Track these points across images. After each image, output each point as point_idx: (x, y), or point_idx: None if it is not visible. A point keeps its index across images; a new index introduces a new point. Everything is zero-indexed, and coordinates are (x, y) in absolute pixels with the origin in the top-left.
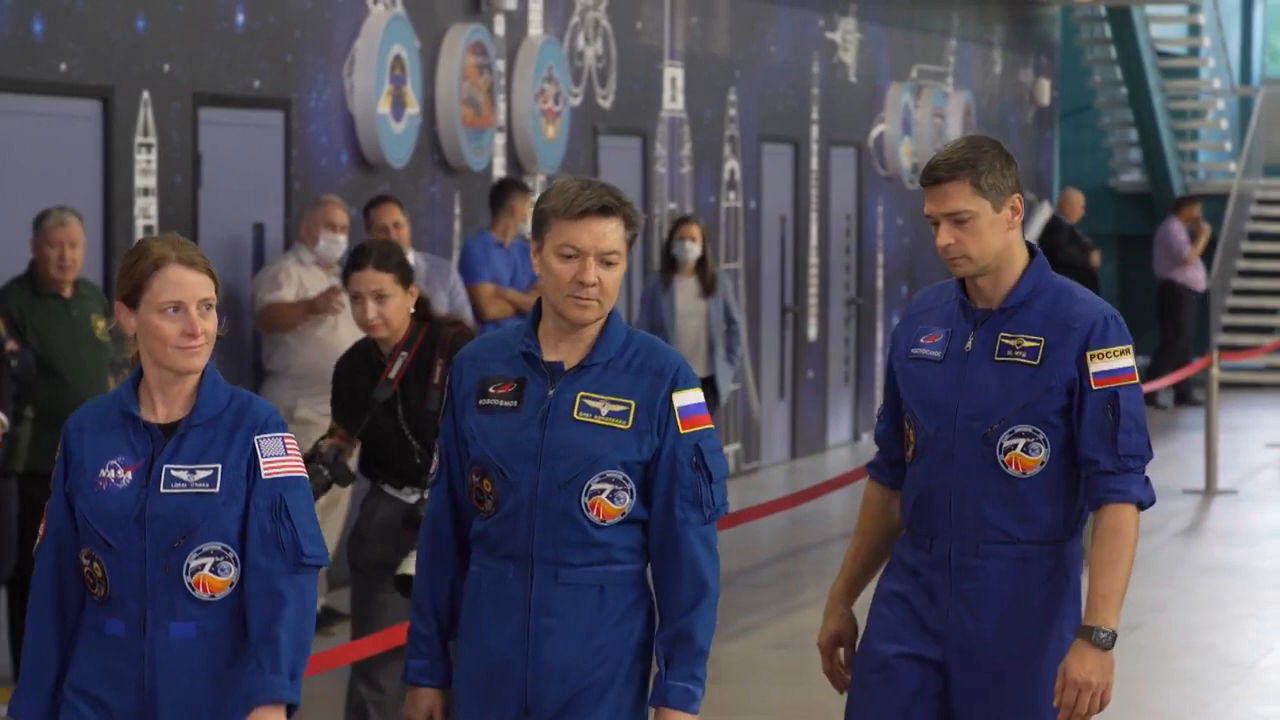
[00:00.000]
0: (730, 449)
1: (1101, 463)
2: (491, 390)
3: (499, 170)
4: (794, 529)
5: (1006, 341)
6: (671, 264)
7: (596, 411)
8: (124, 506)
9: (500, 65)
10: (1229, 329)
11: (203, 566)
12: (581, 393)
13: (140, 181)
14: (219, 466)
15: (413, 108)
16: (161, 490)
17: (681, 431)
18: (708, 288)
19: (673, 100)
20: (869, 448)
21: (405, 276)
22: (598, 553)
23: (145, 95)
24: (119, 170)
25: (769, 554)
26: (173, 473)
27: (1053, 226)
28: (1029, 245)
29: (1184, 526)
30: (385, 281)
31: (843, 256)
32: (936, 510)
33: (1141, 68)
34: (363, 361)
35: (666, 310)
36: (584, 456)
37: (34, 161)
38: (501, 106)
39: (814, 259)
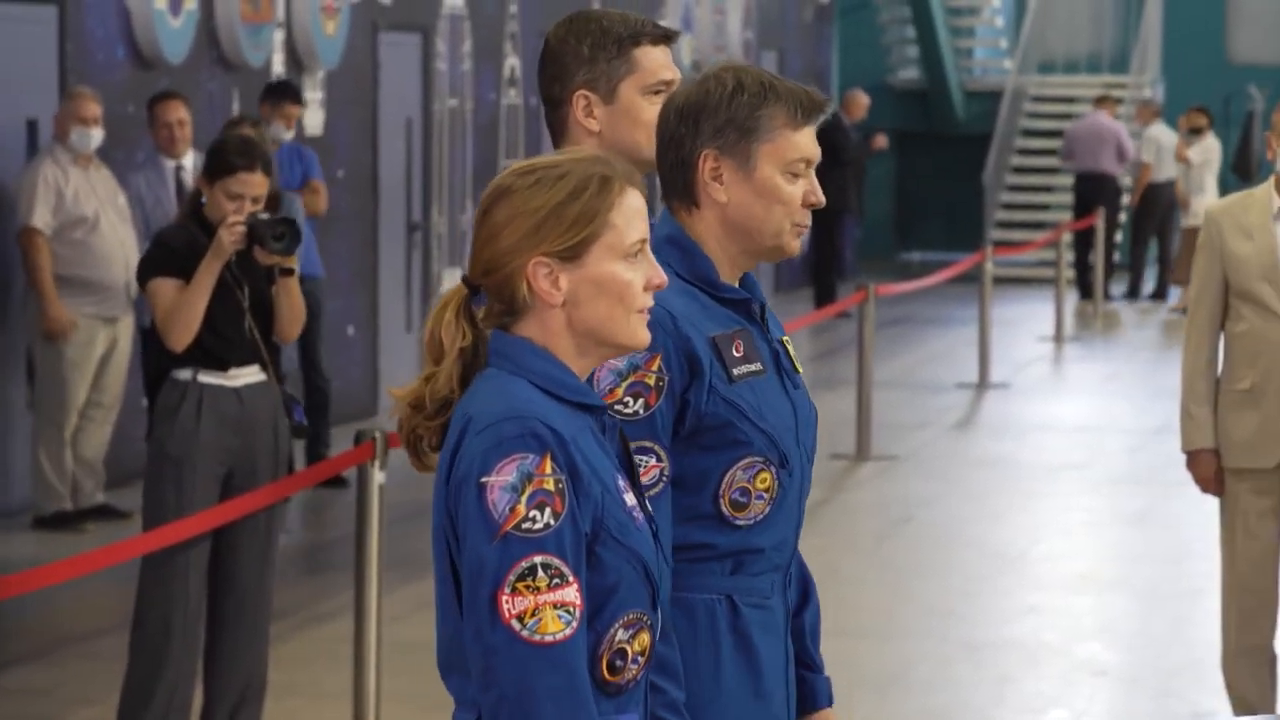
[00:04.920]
0: None
1: None
2: (736, 352)
3: (278, 67)
4: None
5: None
6: None
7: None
8: (655, 553)
9: None
10: (1002, 224)
11: None
12: (782, 338)
13: None
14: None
15: (190, 3)
16: (653, 528)
17: None
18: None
19: None
20: None
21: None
22: None
23: None
24: None
25: None
26: (646, 500)
27: (837, 126)
28: None
29: (956, 420)
30: (267, 185)
31: None
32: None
33: None
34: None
35: None
36: (817, 419)
37: None
38: (280, 2)
39: None
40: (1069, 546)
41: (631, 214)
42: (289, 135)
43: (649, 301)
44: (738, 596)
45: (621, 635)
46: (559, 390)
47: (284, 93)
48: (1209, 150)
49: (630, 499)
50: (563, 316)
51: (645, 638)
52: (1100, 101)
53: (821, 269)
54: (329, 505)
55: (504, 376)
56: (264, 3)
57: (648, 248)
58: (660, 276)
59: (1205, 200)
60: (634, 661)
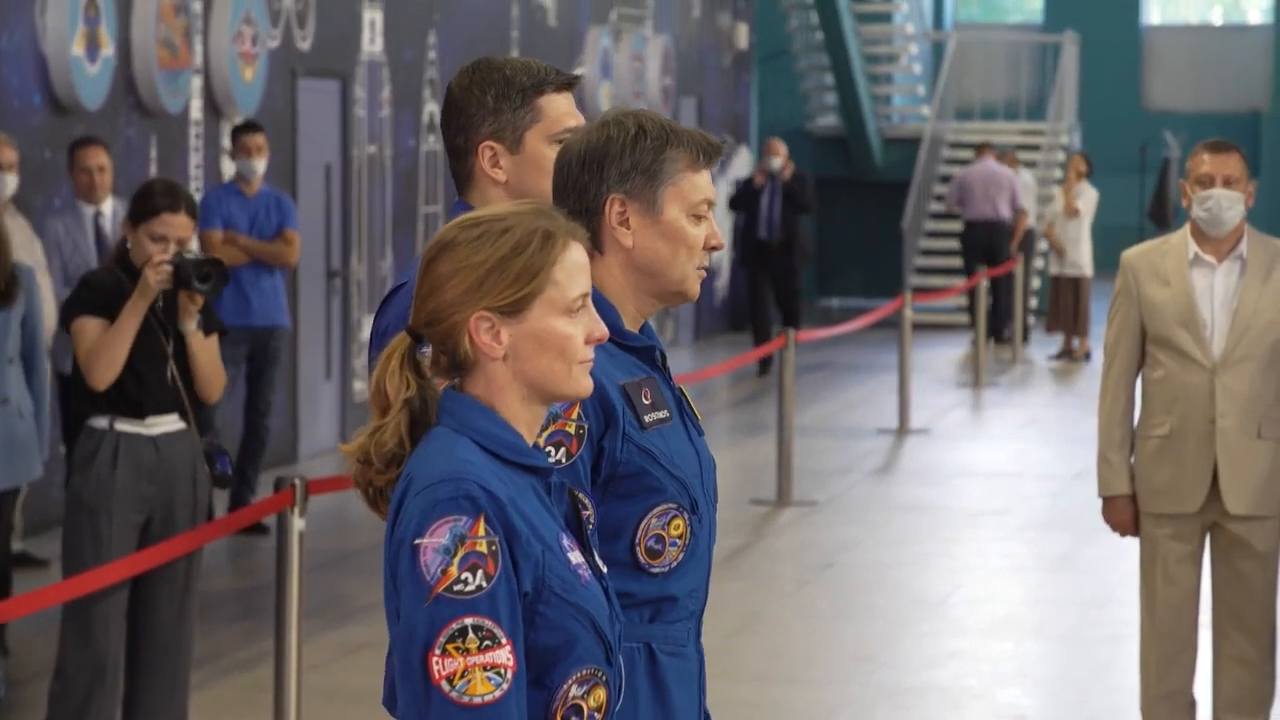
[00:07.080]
0: None
1: None
2: (645, 400)
3: (196, 113)
4: None
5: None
6: None
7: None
8: (606, 609)
9: (197, 7)
10: (921, 270)
11: None
12: (681, 386)
13: None
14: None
15: (107, 49)
16: (603, 584)
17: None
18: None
19: (372, 43)
20: None
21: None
22: None
23: None
24: None
25: None
26: (596, 556)
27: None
28: None
29: (877, 466)
30: (191, 227)
31: None
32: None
33: (837, 13)
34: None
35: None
36: (715, 467)
37: None
38: (199, 48)
39: None
40: (990, 591)
41: (574, 269)
42: (261, 165)
43: (590, 354)
44: (656, 644)
45: (575, 691)
46: (501, 450)
47: (242, 129)
48: (1088, 200)
49: (576, 557)
50: (506, 369)
51: (601, 694)
52: (983, 149)
53: (787, 305)
54: (250, 552)
55: (449, 435)
56: (182, 49)
57: (589, 301)
58: (601, 330)
59: (1081, 250)
60: (590, 718)
